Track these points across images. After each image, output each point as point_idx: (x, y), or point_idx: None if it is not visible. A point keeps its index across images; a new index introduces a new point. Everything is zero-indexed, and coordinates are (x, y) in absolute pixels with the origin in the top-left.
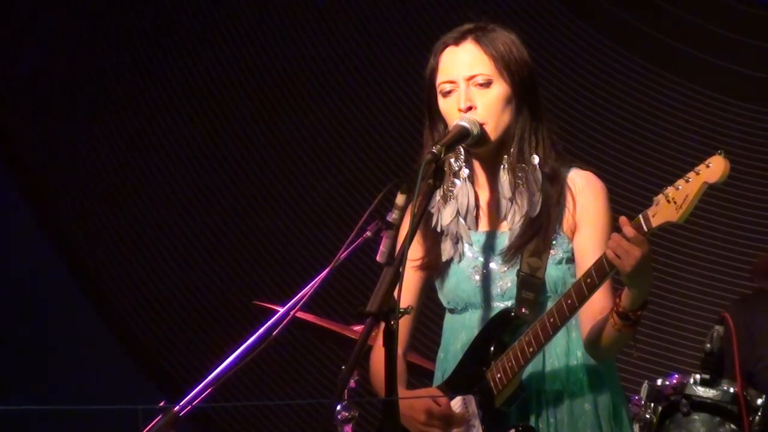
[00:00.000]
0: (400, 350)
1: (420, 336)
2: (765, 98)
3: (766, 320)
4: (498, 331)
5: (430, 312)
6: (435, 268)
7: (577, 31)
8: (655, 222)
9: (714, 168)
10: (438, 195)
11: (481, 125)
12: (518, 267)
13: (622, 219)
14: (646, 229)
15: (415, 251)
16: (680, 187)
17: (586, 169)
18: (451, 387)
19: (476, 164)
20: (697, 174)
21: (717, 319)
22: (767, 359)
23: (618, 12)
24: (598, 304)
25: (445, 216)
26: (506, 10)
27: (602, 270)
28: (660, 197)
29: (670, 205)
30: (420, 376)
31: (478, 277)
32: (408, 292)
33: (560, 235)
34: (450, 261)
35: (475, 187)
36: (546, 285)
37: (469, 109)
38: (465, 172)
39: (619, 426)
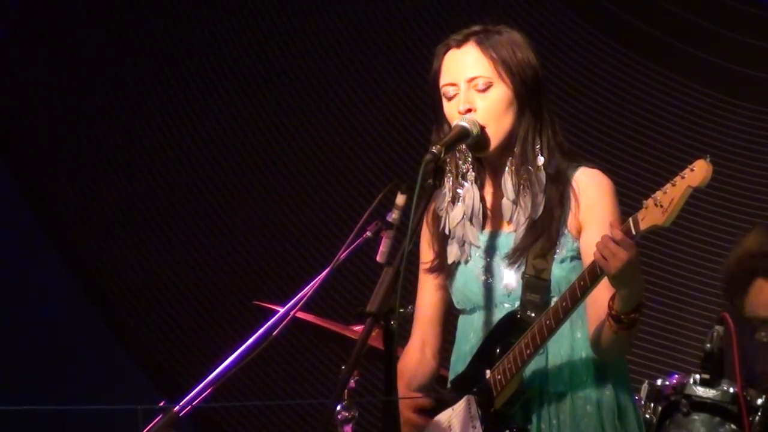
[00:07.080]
0: (429, 352)
1: None
2: (765, 98)
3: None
4: (505, 333)
5: None
6: (448, 270)
7: (578, 30)
8: (644, 225)
9: (697, 172)
10: (447, 197)
11: (482, 127)
12: (524, 268)
13: (611, 223)
14: (634, 233)
15: (427, 255)
16: (667, 191)
17: (593, 167)
18: (456, 388)
19: (483, 166)
20: (682, 178)
21: (717, 319)
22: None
23: (618, 11)
24: (604, 303)
25: (453, 218)
26: (508, 11)
27: (594, 272)
28: (649, 201)
29: (657, 208)
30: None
31: (484, 278)
32: (428, 298)
33: (565, 235)
34: (457, 263)
35: (482, 188)
36: (551, 285)
37: (468, 111)
38: (472, 174)
39: (625, 428)
